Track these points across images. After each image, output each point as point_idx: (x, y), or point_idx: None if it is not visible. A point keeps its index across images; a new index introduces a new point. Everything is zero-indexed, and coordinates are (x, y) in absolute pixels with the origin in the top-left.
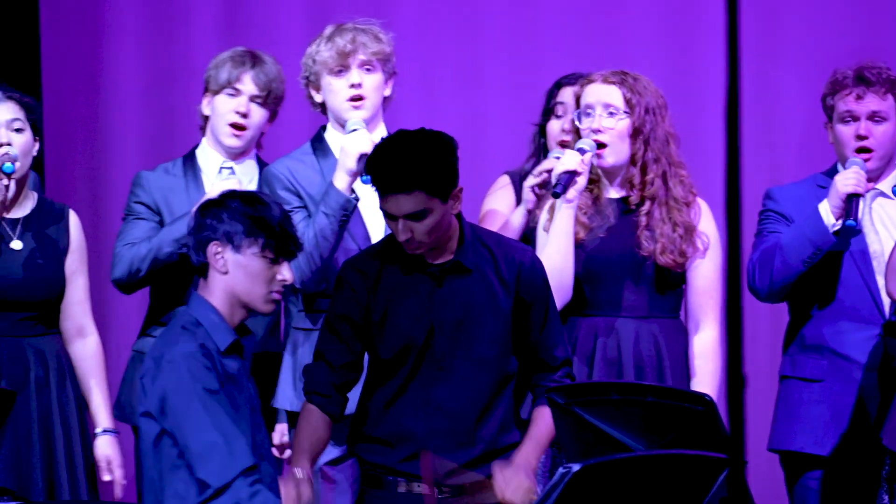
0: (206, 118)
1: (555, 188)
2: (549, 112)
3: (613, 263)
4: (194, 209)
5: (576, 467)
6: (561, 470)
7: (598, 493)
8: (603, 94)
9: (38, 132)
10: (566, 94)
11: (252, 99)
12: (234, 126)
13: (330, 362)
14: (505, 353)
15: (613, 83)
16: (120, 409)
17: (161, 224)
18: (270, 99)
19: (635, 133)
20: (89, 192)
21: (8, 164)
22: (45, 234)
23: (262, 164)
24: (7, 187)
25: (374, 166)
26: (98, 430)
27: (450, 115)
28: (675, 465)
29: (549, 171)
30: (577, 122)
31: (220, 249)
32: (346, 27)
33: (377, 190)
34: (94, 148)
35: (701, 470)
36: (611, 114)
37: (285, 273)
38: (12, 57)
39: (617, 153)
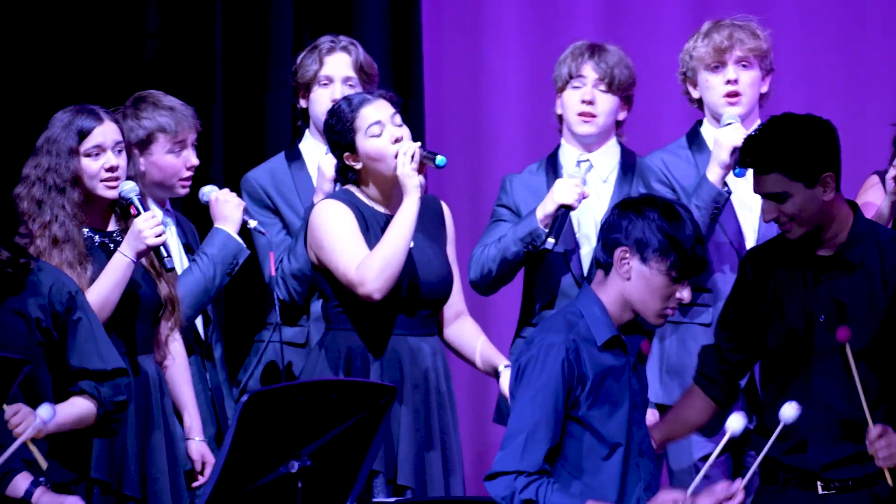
0: (561, 117)
1: None
2: None
3: None
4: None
5: None
6: None
7: None
8: None
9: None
10: None
11: (595, 86)
12: (583, 115)
13: (718, 345)
14: (884, 351)
15: None
16: (498, 413)
17: None
18: (616, 85)
19: None
20: (469, 190)
21: (441, 158)
22: (430, 231)
23: (626, 152)
24: (424, 183)
25: (744, 146)
26: (500, 367)
27: (828, 113)
28: None
29: None
30: None
31: (627, 256)
32: (723, 23)
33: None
34: (474, 146)
35: None
36: None
37: (685, 294)
38: (396, 55)
39: None
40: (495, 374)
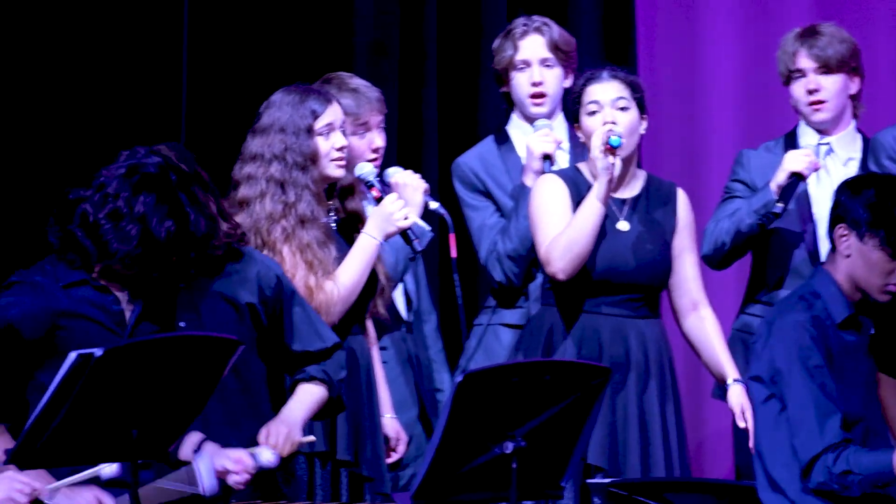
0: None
1: None
2: None
3: None
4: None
5: None
6: None
7: None
8: None
9: (644, 111)
10: None
11: (816, 73)
12: (813, 104)
13: None
14: None
15: None
16: (720, 388)
17: None
18: (835, 65)
19: None
20: (684, 168)
21: (615, 138)
22: (652, 216)
23: (864, 137)
24: (613, 164)
25: None
26: (729, 380)
27: None
28: None
29: None
30: None
31: (845, 233)
32: None
33: None
34: (689, 124)
35: None
36: None
37: None
38: (610, 35)
39: None
40: (723, 384)
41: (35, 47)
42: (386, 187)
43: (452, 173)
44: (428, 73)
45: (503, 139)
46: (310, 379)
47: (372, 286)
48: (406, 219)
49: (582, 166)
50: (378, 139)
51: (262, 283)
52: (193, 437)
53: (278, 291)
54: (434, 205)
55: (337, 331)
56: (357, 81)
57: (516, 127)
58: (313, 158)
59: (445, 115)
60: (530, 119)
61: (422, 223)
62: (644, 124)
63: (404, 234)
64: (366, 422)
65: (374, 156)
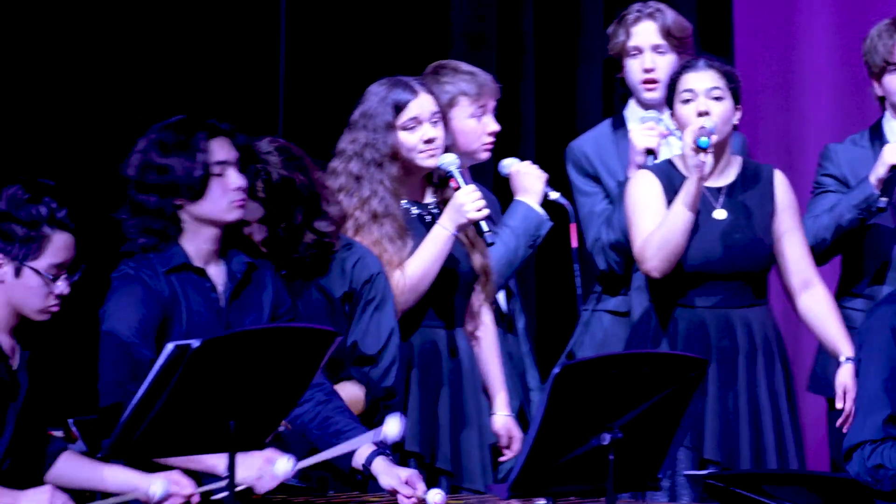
0: (882, 98)
1: None
2: None
3: None
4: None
5: None
6: None
7: None
8: None
9: (738, 101)
10: None
11: None
12: None
13: None
14: None
15: None
16: (815, 381)
17: None
18: None
19: None
20: (781, 160)
21: (703, 139)
22: (748, 202)
23: None
24: (703, 163)
25: None
26: (841, 357)
27: None
28: None
29: None
30: None
31: None
32: None
33: None
34: (786, 117)
35: None
36: None
37: None
38: (706, 27)
39: None
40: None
41: (136, 44)
42: (466, 179)
43: (566, 157)
44: (525, 67)
45: (619, 124)
46: (348, 378)
47: (454, 278)
48: (479, 210)
49: (676, 160)
50: (493, 123)
51: (354, 276)
52: (364, 450)
53: (365, 286)
54: (554, 195)
55: (412, 319)
56: (471, 66)
57: (632, 112)
58: (393, 154)
59: (542, 109)
60: (645, 105)
61: (540, 211)
62: (738, 114)
63: (476, 225)
64: (445, 415)
65: (490, 139)
